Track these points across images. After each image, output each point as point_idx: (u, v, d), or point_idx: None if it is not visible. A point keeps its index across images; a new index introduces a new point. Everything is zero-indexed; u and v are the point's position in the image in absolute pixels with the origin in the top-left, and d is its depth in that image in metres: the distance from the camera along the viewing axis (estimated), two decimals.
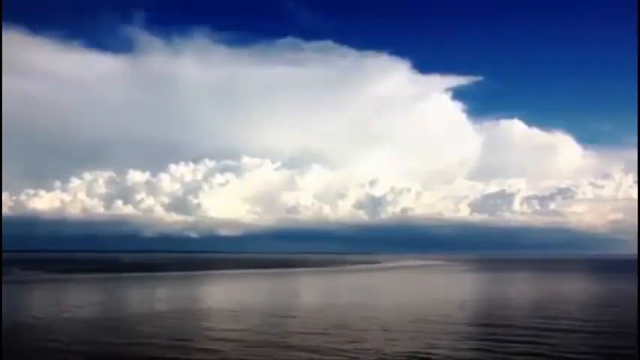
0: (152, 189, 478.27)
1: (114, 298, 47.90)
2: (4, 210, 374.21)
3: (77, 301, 43.75)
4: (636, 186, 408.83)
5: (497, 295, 52.38)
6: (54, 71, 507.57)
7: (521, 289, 59.77)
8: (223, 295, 51.21)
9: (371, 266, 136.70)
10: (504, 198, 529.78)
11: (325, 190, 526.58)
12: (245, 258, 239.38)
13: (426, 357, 20.79)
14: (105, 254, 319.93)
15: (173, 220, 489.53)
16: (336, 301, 43.19)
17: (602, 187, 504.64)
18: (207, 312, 35.45)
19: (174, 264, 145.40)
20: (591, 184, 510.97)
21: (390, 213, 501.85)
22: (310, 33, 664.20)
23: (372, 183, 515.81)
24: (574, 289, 59.83)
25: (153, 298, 48.05)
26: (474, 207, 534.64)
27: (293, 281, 75.70)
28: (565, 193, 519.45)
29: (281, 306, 39.47)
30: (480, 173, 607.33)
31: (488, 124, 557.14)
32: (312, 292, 56.81)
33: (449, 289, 59.39)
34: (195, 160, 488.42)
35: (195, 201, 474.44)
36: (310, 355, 21.14)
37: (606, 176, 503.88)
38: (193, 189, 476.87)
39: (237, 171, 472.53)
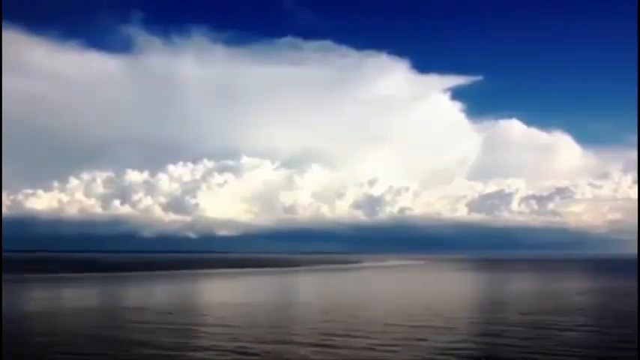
0: (150, 189, 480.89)
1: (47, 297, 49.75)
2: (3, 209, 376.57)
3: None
4: (635, 186, 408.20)
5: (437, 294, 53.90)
6: (52, 71, 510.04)
7: (482, 288, 61.25)
8: (160, 294, 53.15)
9: (346, 266, 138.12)
10: (503, 198, 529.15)
11: (323, 190, 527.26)
12: (225, 258, 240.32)
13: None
14: (82, 254, 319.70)
15: (171, 220, 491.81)
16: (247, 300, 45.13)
17: (600, 187, 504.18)
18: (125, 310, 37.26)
19: (153, 264, 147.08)
20: (590, 184, 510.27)
21: (388, 212, 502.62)
22: (309, 32, 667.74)
23: (371, 183, 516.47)
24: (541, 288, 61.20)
25: (89, 296, 49.89)
26: (472, 207, 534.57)
27: (239, 281, 77.36)
28: (563, 193, 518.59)
29: (189, 305, 41.08)
30: (479, 173, 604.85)
31: (487, 124, 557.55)
32: (238, 291, 58.58)
33: (389, 289, 61.00)
34: (194, 160, 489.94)
35: (193, 201, 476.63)
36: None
37: (605, 176, 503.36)
38: (192, 189, 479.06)
39: (236, 171, 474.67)
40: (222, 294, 54.80)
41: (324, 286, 68.60)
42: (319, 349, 22.70)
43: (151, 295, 53.04)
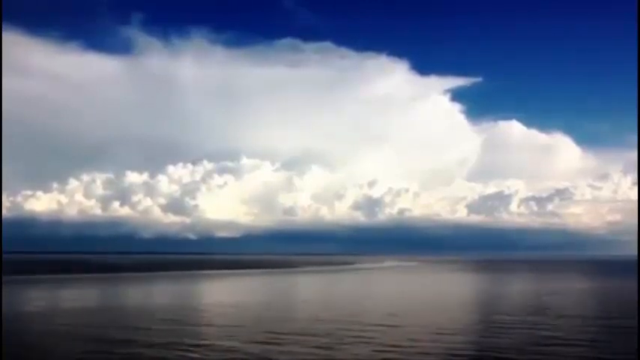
0: (150, 190, 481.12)
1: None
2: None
3: None
4: (635, 187, 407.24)
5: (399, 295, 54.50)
6: (52, 71, 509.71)
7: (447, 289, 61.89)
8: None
9: (339, 268, 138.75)
10: (502, 199, 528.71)
11: (323, 192, 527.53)
12: (224, 259, 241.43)
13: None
14: (81, 255, 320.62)
15: (171, 221, 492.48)
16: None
17: (600, 188, 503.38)
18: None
19: (153, 265, 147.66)
20: (589, 185, 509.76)
21: (387, 214, 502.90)
22: (309, 33, 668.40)
23: (370, 184, 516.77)
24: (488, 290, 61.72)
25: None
26: (472, 208, 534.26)
27: (216, 282, 78.06)
28: (563, 195, 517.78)
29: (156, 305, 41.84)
30: (478, 174, 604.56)
31: (487, 125, 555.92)
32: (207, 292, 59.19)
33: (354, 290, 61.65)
34: (194, 162, 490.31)
35: (192, 202, 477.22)
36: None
37: (604, 177, 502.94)
38: (191, 190, 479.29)
39: (236, 172, 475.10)
40: (207, 295, 55.53)
41: (308, 287, 69.13)
42: (263, 346, 23.32)
43: (149, 295, 54.01)
